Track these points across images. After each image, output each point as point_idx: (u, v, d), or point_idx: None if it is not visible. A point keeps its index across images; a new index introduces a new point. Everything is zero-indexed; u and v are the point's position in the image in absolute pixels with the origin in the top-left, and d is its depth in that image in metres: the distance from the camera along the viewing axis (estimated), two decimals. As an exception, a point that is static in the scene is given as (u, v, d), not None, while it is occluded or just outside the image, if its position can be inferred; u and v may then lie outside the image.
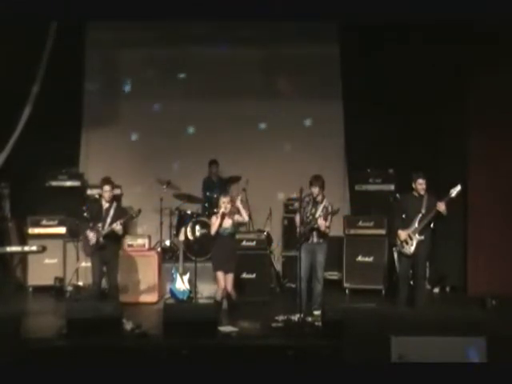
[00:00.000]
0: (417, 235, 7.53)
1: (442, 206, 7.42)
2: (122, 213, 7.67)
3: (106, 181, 7.69)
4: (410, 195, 7.73)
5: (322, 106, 10.34)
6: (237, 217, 7.64)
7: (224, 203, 7.55)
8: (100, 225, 7.48)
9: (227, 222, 7.56)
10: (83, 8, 6.19)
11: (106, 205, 7.63)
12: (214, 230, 7.58)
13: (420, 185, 7.58)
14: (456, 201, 7.70)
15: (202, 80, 10.43)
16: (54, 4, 6.10)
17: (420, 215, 7.53)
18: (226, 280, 7.52)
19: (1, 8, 6.07)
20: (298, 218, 7.70)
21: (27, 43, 8.69)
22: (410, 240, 7.55)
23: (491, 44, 8.26)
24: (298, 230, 7.64)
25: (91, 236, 7.44)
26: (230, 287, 7.60)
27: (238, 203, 7.67)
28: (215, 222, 7.57)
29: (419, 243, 7.53)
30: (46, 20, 8.16)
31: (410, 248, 7.55)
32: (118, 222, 7.43)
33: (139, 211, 7.74)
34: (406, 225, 7.61)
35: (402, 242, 7.60)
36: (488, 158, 8.72)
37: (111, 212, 7.57)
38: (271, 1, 6.18)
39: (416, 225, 7.53)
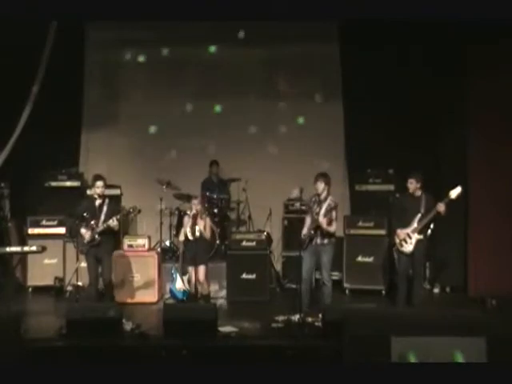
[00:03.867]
0: (416, 234, 7.54)
1: (442, 207, 7.42)
2: (115, 209, 7.64)
3: (99, 177, 7.66)
4: (408, 195, 7.74)
5: (322, 106, 10.34)
6: (202, 226, 7.82)
7: (195, 205, 7.82)
8: (93, 222, 7.46)
9: (200, 224, 7.70)
10: (83, 8, 6.19)
11: (98, 201, 7.61)
12: (187, 229, 7.80)
13: (411, 184, 7.59)
14: (456, 201, 7.69)
15: (202, 80, 10.42)
16: (54, 4, 6.10)
17: (419, 215, 7.54)
18: (197, 271, 7.62)
19: (1, 8, 6.06)
20: (308, 220, 7.63)
21: (27, 43, 8.69)
22: (410, 239, 7.55)
23: (491, 44, 8.25)
24: (303, 231, 7.55)
25: (84, 233, 7.44)
26: (201, 278, 7.81)
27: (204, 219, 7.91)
28: (186, 222, 7.85)
29: (418, 242, 7.54)
30: (45, 20, 8.16)
31: (410, 247, 7.55)
32: (114, 218, 7.41)
33: (139, 211, 7.73)
34: (404, 224, 7.61)
35: (400, 240, 7.60)
36: (488, 158, 8.70)
37: (104, 208, 7.56)
38: (271, 1, 6.17)
39: (415, 224, 7.54)
